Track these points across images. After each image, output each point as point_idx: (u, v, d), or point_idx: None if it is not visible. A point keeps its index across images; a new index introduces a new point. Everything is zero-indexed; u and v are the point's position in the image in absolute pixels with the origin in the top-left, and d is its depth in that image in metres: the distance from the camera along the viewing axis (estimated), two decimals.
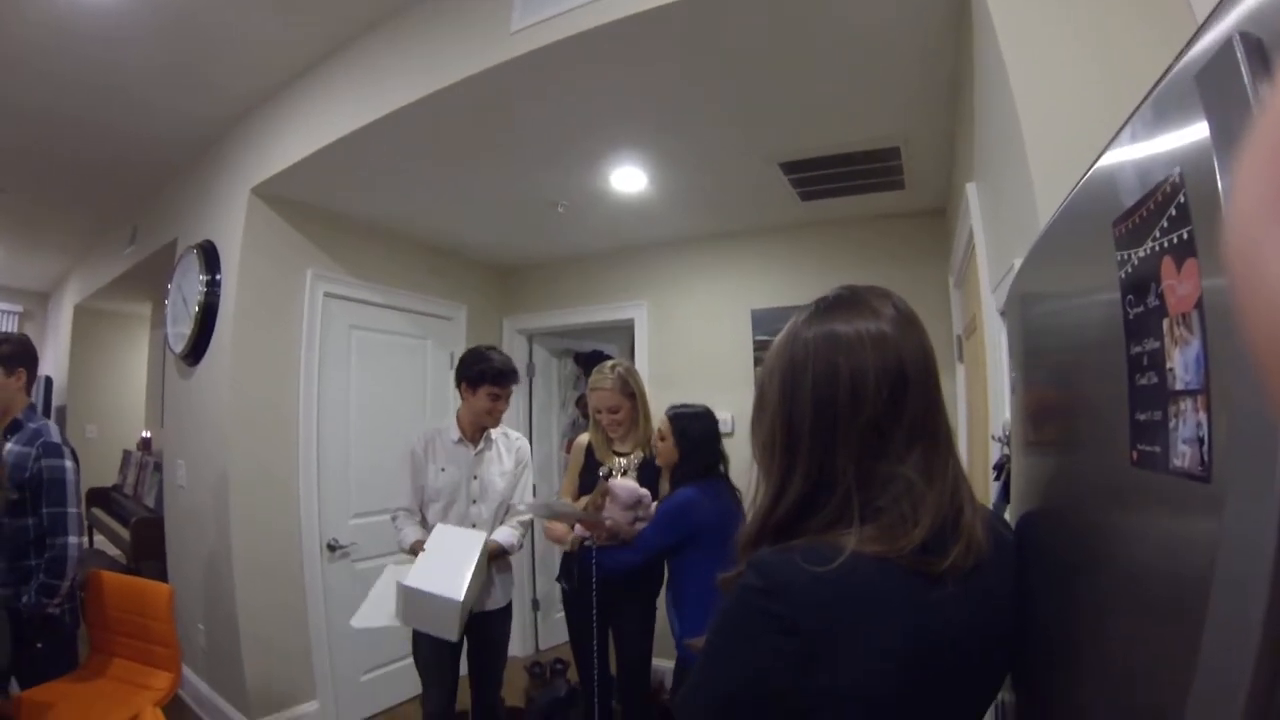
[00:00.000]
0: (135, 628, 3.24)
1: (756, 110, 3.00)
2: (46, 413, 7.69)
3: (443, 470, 3.23)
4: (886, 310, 1.02)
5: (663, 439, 2.97)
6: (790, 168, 3.54)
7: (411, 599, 2.76)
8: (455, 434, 3.28)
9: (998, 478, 1.80)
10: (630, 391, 3.27)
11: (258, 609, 3.85)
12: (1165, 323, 0.57)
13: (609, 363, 3.34)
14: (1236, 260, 0.36)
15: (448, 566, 2.84)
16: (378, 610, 2.94)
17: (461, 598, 2.75)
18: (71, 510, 2.94)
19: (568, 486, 3.48)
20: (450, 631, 2.83)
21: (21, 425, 3.00)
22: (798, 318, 1.08)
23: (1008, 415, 1.64)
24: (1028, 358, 1.22)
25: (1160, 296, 0.58)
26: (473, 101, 2.93)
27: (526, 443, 3.51)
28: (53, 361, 8.19)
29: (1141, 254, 0.61)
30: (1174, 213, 0.56)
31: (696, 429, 2.95)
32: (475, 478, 3.25)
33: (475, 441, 3.29)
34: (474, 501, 3.24)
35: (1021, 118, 1.55)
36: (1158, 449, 0.59)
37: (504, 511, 3.33)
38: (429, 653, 3.12)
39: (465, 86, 2.80)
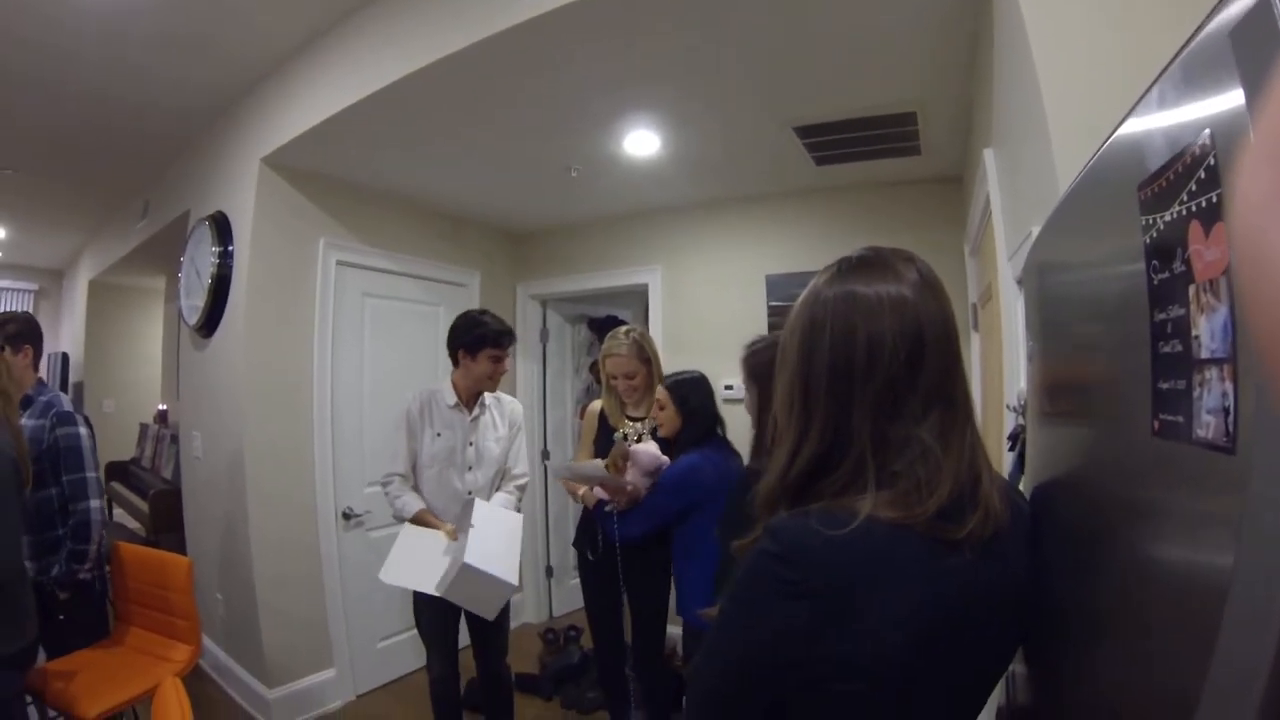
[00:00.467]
0: (156, 600, 3.26)
1: (771, 73, 2.95)
2: (64, 388, 7.78)
3: (438, 435, 3.19)
4: (909, 274, 1.01)
5: (662, 408, 2.94)
6: (805, 132, 3.49)
7: (466, 576, 2.67)
8: (451, 398, 3.21)
9: (1012, 448, 1.79)
10: (646, 357, 3.23)
11: (274, 578, 3.89)
12: (1191, 289, 0.56)
13: (623, 328, 3.30)
14: (1243, 247, 0.35)
15: (499, 547, 2.82)
16: (407, 570, 2.89)
17: (516, 582, 2.77)
18: (90, 475, 3.01)
19: (583, 456, 3.44)
20: (490, 611, 2.86)
21: (33, 400, 3.04)
22: (820, 277, 1.08)
23: (1023, 385, 1.62)
24: (1045, 327, 1.20)
25: (1187, 262, 0.56)
26: (482, 66, 2.90)
27: (519, 405, 3.48)
28: (69, 337, 8.26)
29: (1167, 218, 0.60)
30: (1203, 175, 0.54)
31: (696, 395, 2.94)
32: (471, 444, 3.22)
33: (471, 407, 3.26)
34: (469, 468, 3.21)
35: (1042, 82, 1.52)
36: (1180, 419, 0.58)
37: (500, 478, 3.31)
38: (431, 621, 3.13)
39: (474, 51, 2.76)
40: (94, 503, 2.99)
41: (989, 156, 2.41)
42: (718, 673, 1.05)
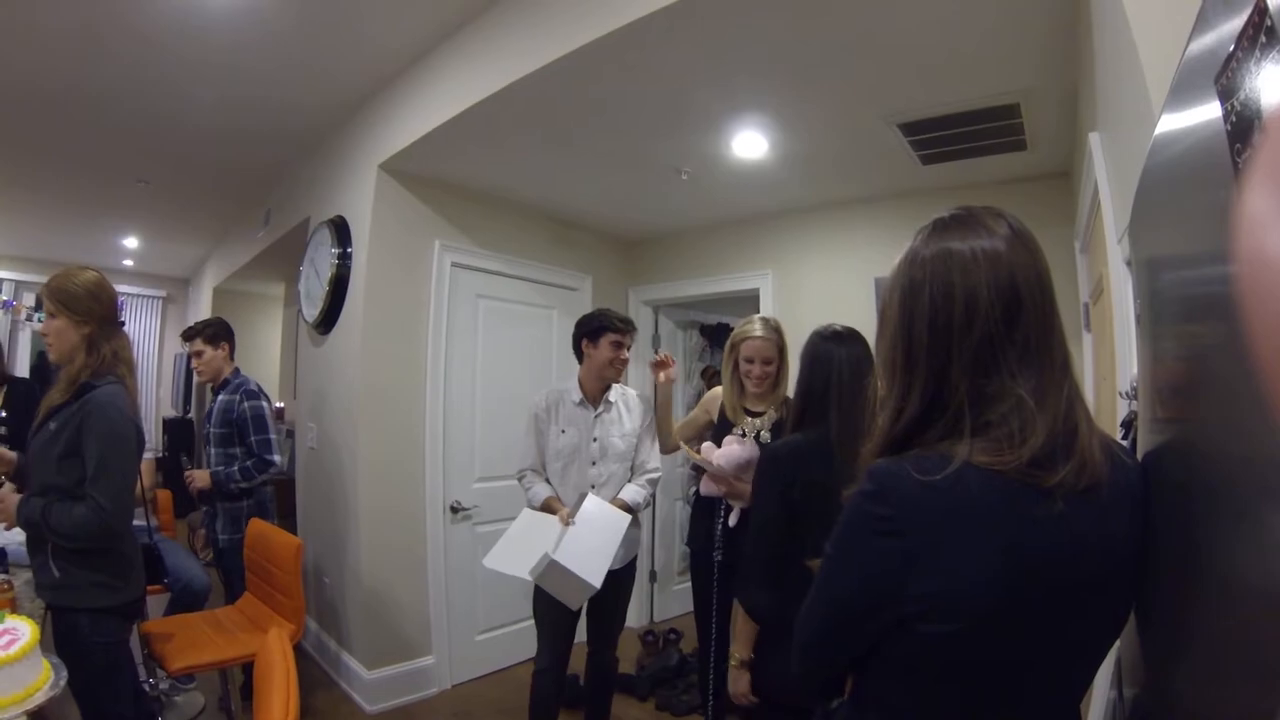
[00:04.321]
0: (267, 575, 3.45)
1: (872, 67, 2.92)
2: (188, 387, 8.25)
3: (563, 432, 3.26)
4: (1000, 228, 1.03)
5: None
6: (909, 129, 3.45)
7: (552, 569, 2.80)
8: (577, 395, 3.29)
9: (1125, 435, 1.76)
10: (781, 345, 3.14)
11: (381, 565, 4.02)
12: None
13: (756, 315, 3.22)
14: (1248, 264, 0.36)
15: (593, 548, 2.91)
16: (510, 558, 2.98)
17: (599, 585, 2.83)
18: (272, 436, 3.88)
19: (679, 427, 3.53)
20: (573, 603, 2.95)
21: (229, 382, 3.95)
22: (916, 238, 1.10)
23: (1135, 370, 1.60)
24: (1155, 322, 1.17)
25: (1264, 128, 0.57)
26: (591, 69, 2.96)
27: (644, 398, 3.54)
28: None
29: (1242, 98, 0.61)
30: (1264, 40, 0.56)
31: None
32: (595, 440, 3.28)
33: (596, 403, 3.32)
34: (593, 463, 3.26)
35: (1143, 58, 1.45)
36: None
37: (628, 471, 3.34)
38: (547, 610, 3.13)
39: (582, 55, 2.82)
40: (276, 457, 3.86)
41: (1095, 140, 2.33)
42: (819, 616, 1.10)
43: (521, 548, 2.98)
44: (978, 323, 0.97)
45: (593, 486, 3.21)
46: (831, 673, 1.18)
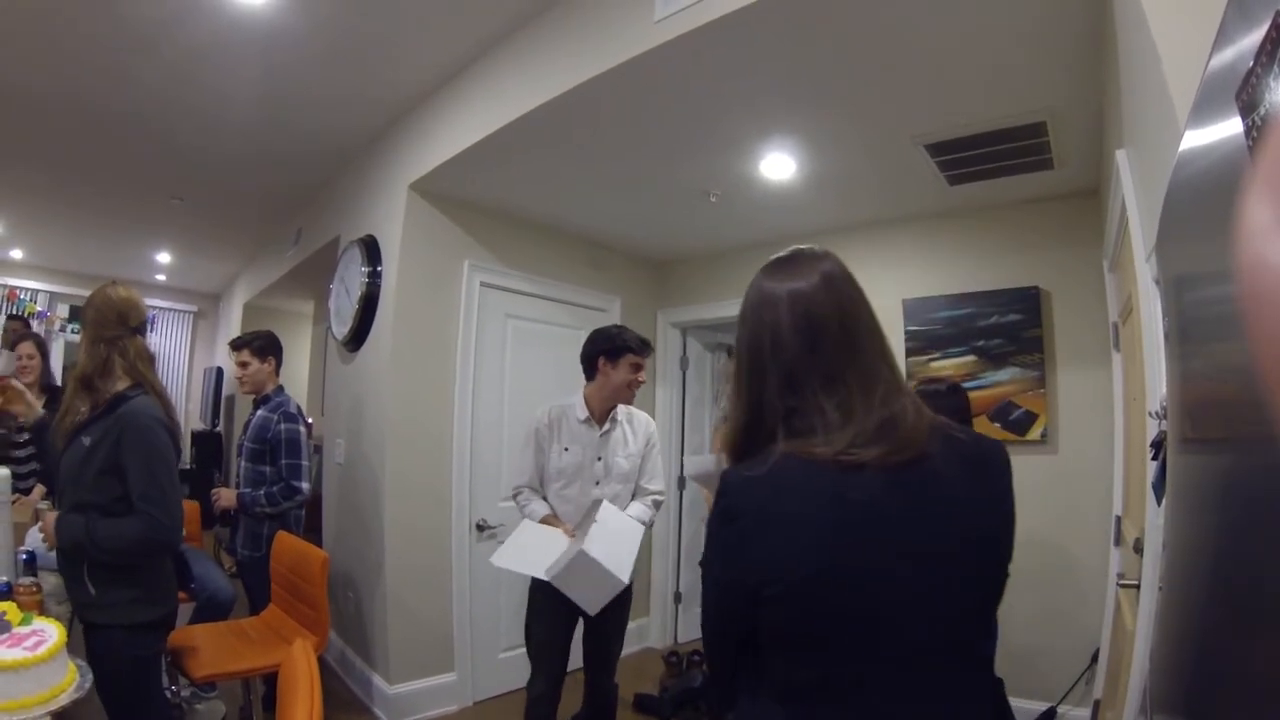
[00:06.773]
0: (293, 587, 3.47)
1: (899, 86, 2.92)
2: (217, 401, 8.33)
3: (566, 450, 3.18)
4: (813, 274, 1.19)
5: None
6: (936, 150, 3.44)
7: (579, 564, 2.66)
8: (582, 413, 3.19)
9: (1155, 456, 1.75)
10: None
11: (406, 581, 4.04)
12: None
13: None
14: (1248, 275, 0.36)
15: (618, 548, 2.81)
16: (520, 558, 2.89)
17: (627, 581, 2.75)
18: (304, 463, 3.83)
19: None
20: (594, 605, 2.81)
21: (270, 399, 3.94)
22: (758, 274, 1.28)
23: (1164, 390, 1.59)
24: (1184, 339, 1.16)
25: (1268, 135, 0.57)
26: (619, 92, 2.98)
27: (653, 421, 3.46)
28: (223, 355, 8.78)
29: (1264, 111, 0.61)
30: None
31: None
32: (599, 459, 3.20)
33: (602, 422, 3.23)
34: (596, 483, 3.18)
35: (1167, 73, 1.45)
36: None
37: (631, 493, 3.26)
38: (545, 633, 3.08)
39: (610, 78, 2.84)
40: (305, 484, 3.81)
41: (1122, 157, 2.30)
42: (708, 611, 1.25)
43: (533, 548, 2.91)
44: (783, 352, 1.15)
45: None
46: (726, 661, 1.24)
